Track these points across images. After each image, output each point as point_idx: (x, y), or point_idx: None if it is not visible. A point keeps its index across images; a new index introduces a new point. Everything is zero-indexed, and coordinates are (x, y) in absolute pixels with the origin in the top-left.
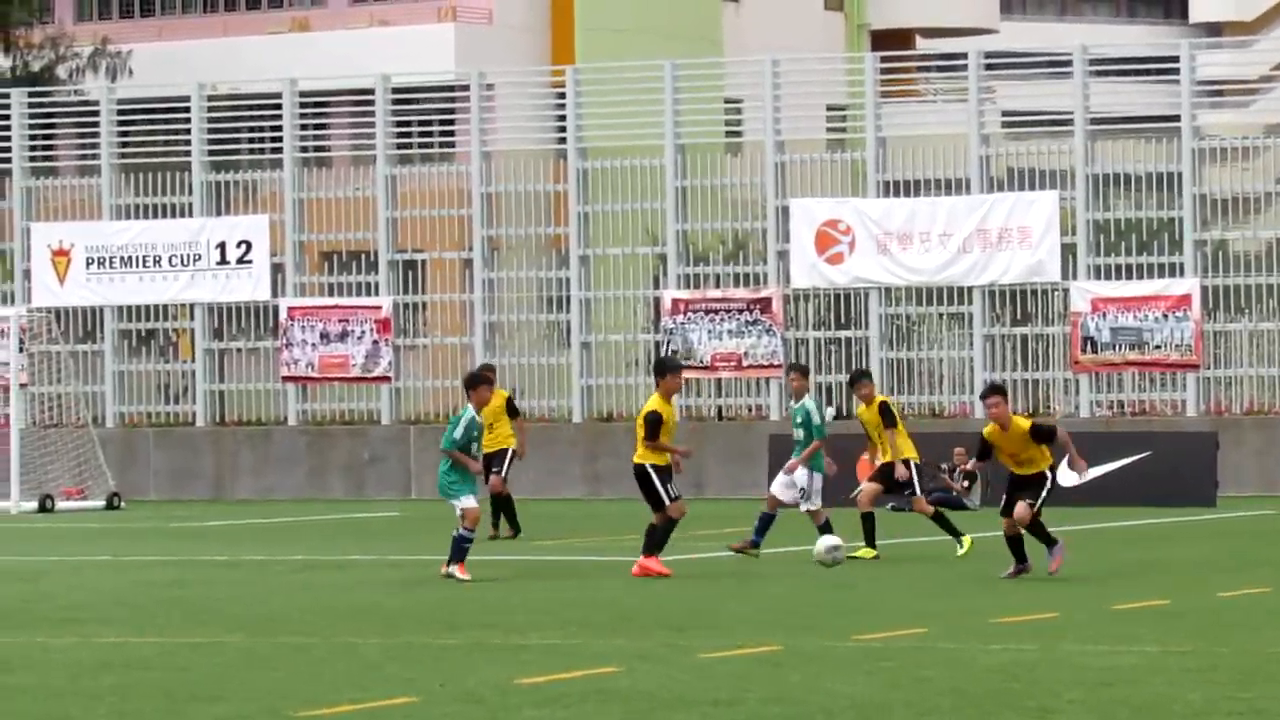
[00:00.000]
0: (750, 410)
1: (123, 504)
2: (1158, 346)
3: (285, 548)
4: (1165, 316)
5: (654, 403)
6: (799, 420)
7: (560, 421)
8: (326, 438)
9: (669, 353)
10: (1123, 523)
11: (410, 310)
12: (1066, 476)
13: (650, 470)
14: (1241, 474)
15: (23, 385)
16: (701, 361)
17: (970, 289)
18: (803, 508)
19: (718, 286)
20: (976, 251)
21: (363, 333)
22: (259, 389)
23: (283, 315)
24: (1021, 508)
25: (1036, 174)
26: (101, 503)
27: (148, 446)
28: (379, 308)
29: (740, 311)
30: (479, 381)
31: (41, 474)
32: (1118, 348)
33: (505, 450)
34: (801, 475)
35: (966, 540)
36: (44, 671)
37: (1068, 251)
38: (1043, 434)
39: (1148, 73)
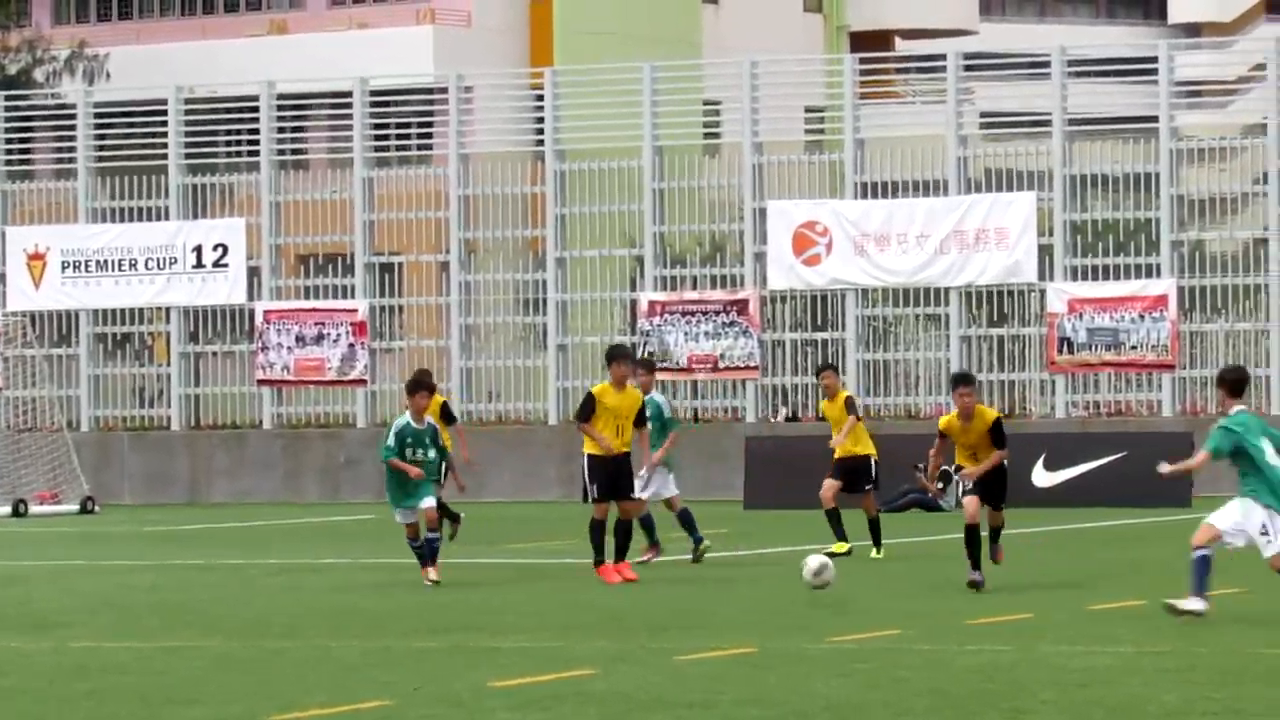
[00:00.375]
0: (726, 412)
1: (97, 508)
2: (1134, 347)
3: (261, 551)
4: (1141, 317)
5: (597, 386)
6: (647, 415)
7: (536, 424)
8: (302, 441)
9: (644, 352)
10: (1099, 523)
11: (386, 313)
12: (1040, 477)
13: (585, 461)
14: (1216, 475)
15: None
16: (678, 363)
17: (947, 290)
18: (636, 493)
19: (694, 288)
20: (954, 252)
21: (339, 335)
22: (234, 392)
23: (258, 318)
24: (996, 515)
25: (1014, 175)
26: (75, 507)
27: (123, 450)
28: (355, 310)
29: (717, 313)
30: (417, 388)
31: (15, 478)
32: (1094, 348)
33: None
34: (658, 471)
35: (882, 551)
36: (22, 675)
37: (1045, 252)
38: (1001, 437)
39: (1126, 73)
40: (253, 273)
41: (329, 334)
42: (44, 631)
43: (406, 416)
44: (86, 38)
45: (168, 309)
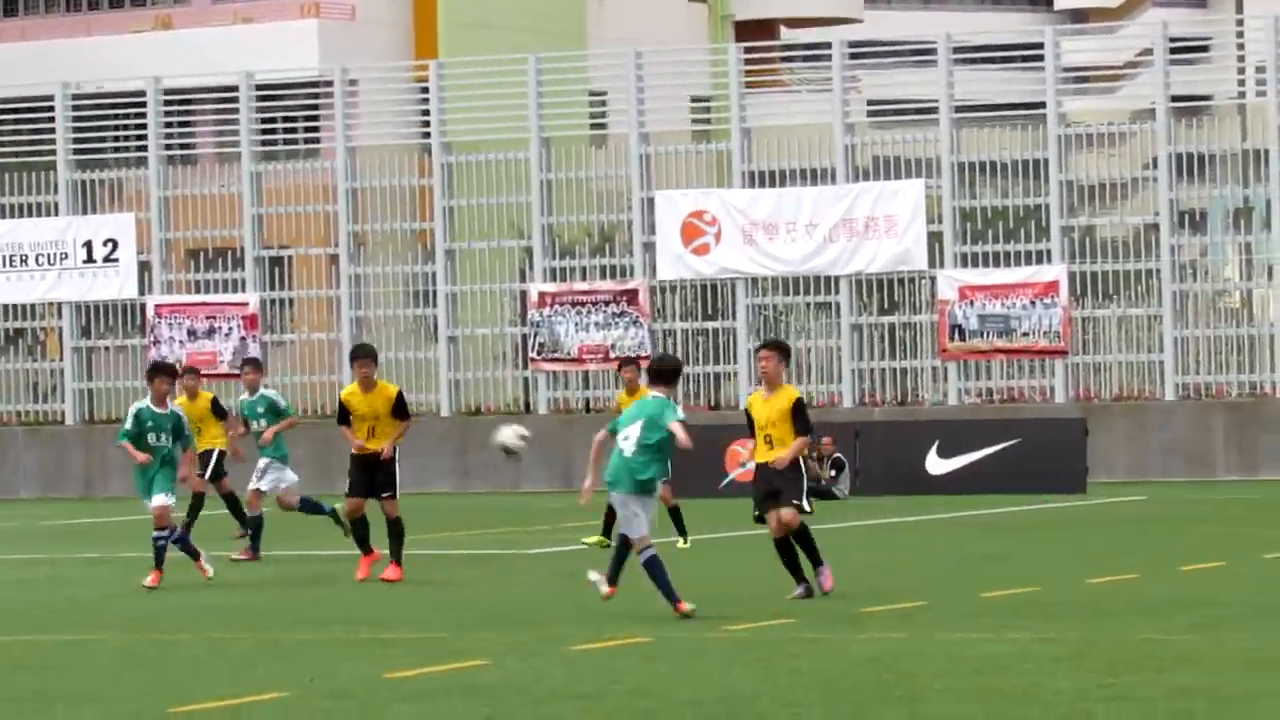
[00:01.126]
0: (617, 403)
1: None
2: (1025, 334)
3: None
4: (1033, 303)
5: (345, 389)
6: (261, 410)
7: (428, 415)
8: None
9: (540, 344)
10: (992, 510)
11: (277, 306)
12: (934, 464)
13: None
14: (1111, 460)
15: None
16: (569, 354)
17: (837, 278)
18: (274, 489)
19: (584, 279)
20: (842, 241)
21: (230, 329)
22: (128, 386)
23: (150, 313)
24: (789, 513)
25: (902, 163)
26: None
27: (17, 445)
28: (246, 304)
29: (607, 303)
30: (156, 373)
31: None
32: (986, 335)
33: (212, 451)
34: (267, 461)
35: (689, 540)
36: None
37: (934, 240)
38: (802, 415)
39: (1013, 60)
40: (143, 267)
41: (220, 328)
42: None
43: (147, 400)
44: None
45: (59, 304)
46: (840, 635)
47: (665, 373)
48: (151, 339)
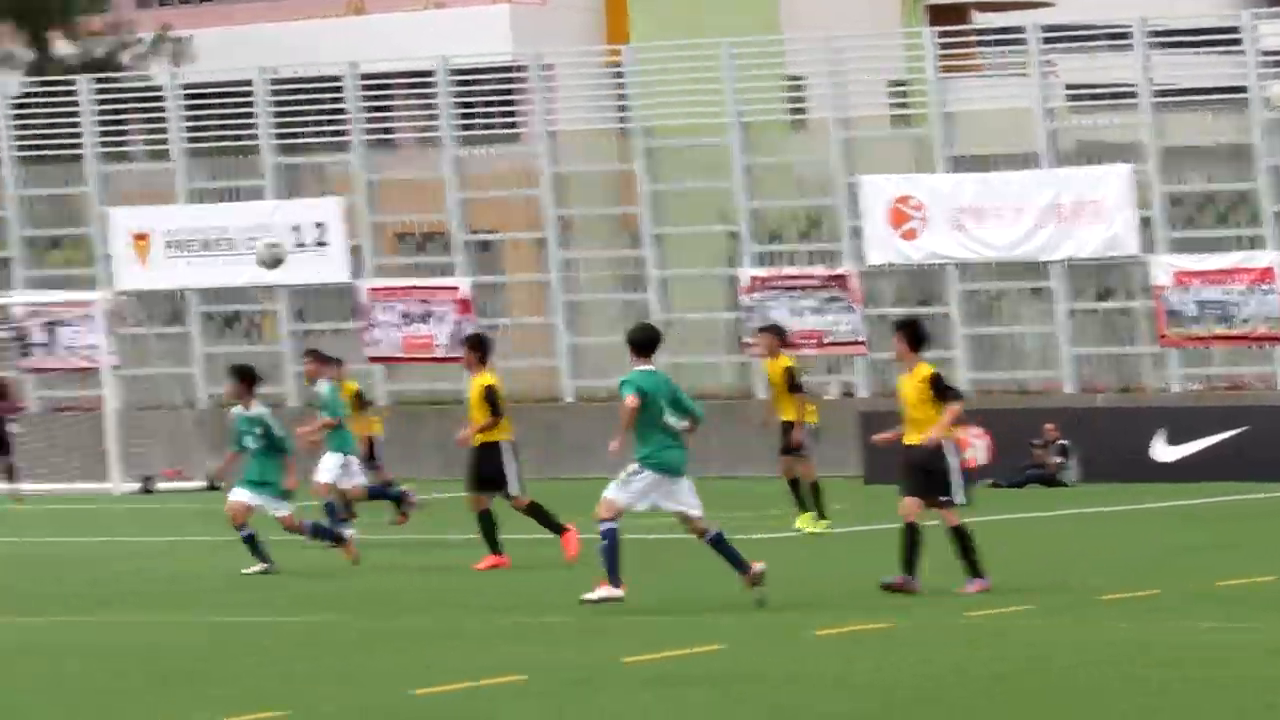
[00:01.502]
0: (838, 389)
1: (222, 484)
2: (1245, 320)
3: (378, 527)
4: (1250, 289)
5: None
6: (321, 405)
7: None
8: (414, 419)
9: (753, 329)
10: (1223, 498)
11: (488, 291)
12: (1162, 452)
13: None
14: None
15: (115, 367)
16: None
17: (1048, 264)
18: (347, 484)
19: (793, 264)
20: (1051, 226)
21: (444, 313)
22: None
23: (363, 297)
24: (947, 514)
25: (1106, 148)
26: (203, 483)
27: None
28: (457, 288)
29: (818, 289)
30: (228, 376)
31: (140, 455)
32: (1204, 321)
33: None
34: (337, 457)
35: (810, 516)
36: (176, 652)
37: (1144, 225)
38: (942, 388)
39: (1210, 43)
40: (354, 251)
41: (434, 311)
42: (182, 607)
43: (239, 406)
44: (169, 20)
45: (272, 288)
46: (1078, 621)
47: (647, 343)
48: (367, 322)
